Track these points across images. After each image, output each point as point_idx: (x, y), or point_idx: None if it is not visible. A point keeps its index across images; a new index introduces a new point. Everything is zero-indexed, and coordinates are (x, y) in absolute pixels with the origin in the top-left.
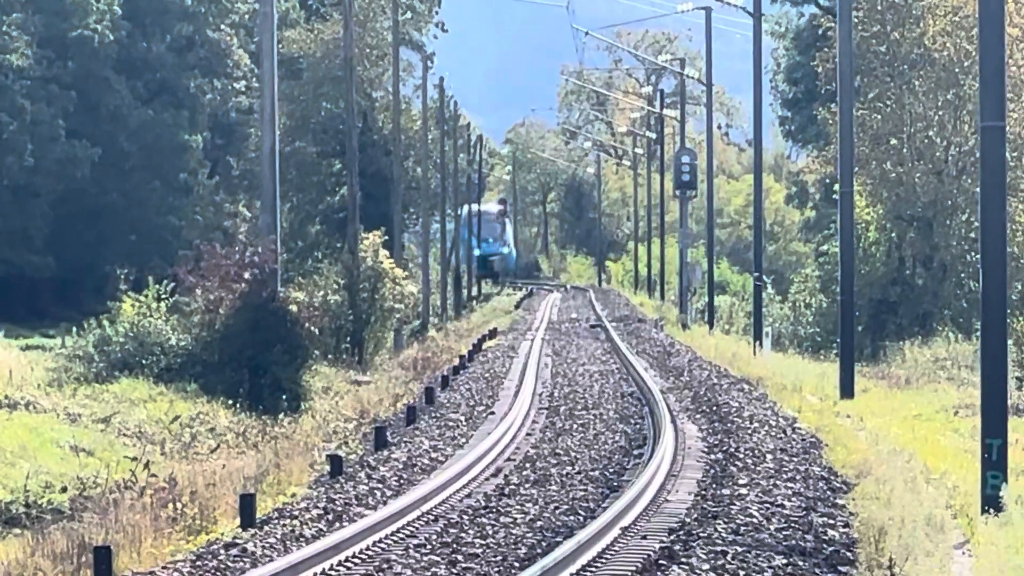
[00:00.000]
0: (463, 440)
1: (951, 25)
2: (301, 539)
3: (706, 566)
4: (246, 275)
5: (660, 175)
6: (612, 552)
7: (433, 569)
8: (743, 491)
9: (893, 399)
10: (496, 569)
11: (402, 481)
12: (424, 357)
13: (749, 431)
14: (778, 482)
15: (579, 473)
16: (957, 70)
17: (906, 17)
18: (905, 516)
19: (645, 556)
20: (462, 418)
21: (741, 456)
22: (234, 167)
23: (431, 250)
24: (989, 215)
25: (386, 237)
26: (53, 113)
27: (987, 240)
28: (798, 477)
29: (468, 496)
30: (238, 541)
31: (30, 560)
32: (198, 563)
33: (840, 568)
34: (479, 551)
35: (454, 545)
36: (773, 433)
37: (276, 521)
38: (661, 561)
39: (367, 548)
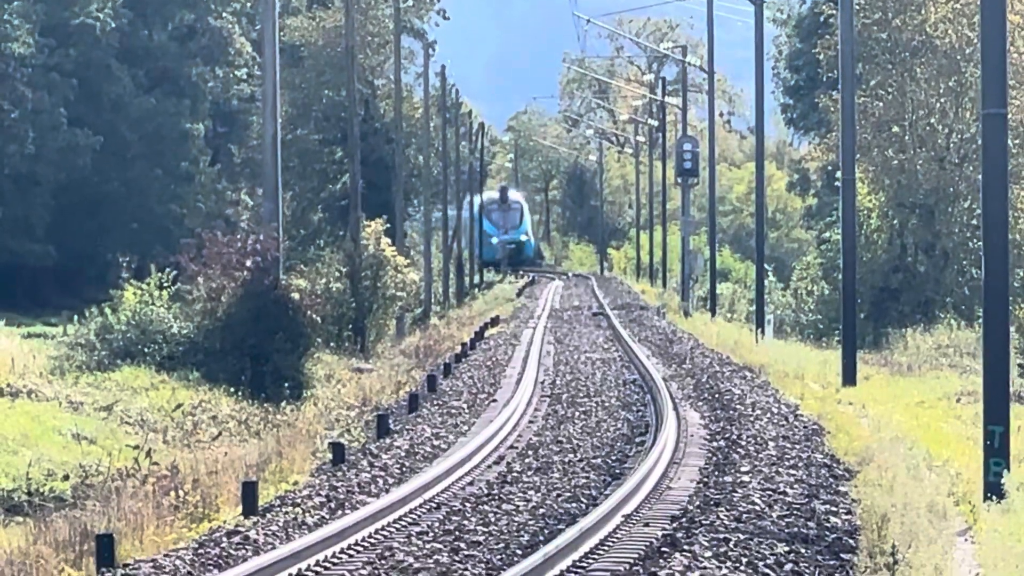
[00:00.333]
0: (465, 427)
1: (953, 12)
2: (303, 527)
3: (708, 553)
4: (248, 263)
5: (662, 163)
6: (614, 539)
7: (435, 556)
8: (745, 478)
9: (895, 386)
10: (499, 556)
11: (404, 469)
12: (426, 345)
13: (751, 418)
14: (780, 469)
15: (581, 460)
16: (959, 57)
17: (908, 4)
18: (907, 503)
19: (647, 543)
20: (464, 406)
21: (743, 443)
22: (236, 155)
23: (433, 238)
24: (991, 202)
25: (388, 225)
26: (55, 101)
27: (989, 227)
28: (800, 464)
29: (470, 483)
30: (240, 529)
31: (32, 548)
32: (200, 551)
33: (842, 555)
34: (481, 538)
35: (456, 532)
36: (775, 420)
37: (278, 509)
38: (663, 548)
39: (369, 536)
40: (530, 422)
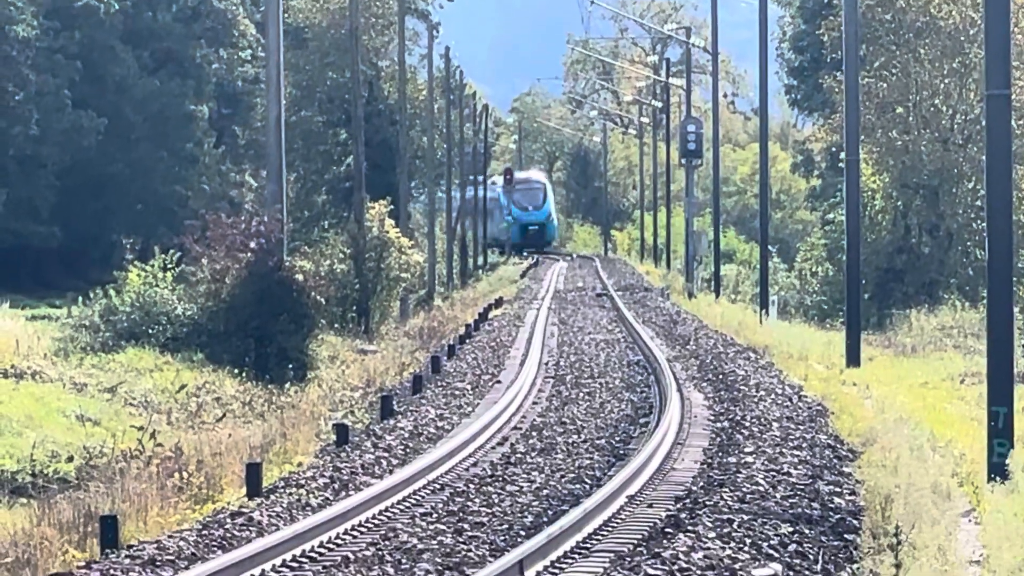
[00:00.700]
0: (469, 409)
1: None
2: (307, 508)
3: (712, 534)
4: (252, 244)
5: (666, 144)
6: (618, 520)
7: (439, 538)
8: (749, 459)
9: (899, 367)
10: (502, 538)
11: (408, 450)
12: (430, 326)
13: (755, 399)
14: (784, 450)
15: (585, 442)
16: (963, 38)
17: None
18: (911, 484)
19: (651, 524)
20: (468, 387)
21: (747, 424)
22: (240, 137)
23: (437, 219)
24: (995, 183)
25: (392, 206)
26: (59, 83)
27: (993, 208)
28: (804, 445)
29: (474, 465)
30: (244, 510)
31: (36, 529)
32: (204, 532)
33: (846, 536)
34: (485, 520)
35: (460, 514)
36: (779, 401)
37: (282, 490)
38: (667, 529)
39: (373, 517)
40: (534, 403)
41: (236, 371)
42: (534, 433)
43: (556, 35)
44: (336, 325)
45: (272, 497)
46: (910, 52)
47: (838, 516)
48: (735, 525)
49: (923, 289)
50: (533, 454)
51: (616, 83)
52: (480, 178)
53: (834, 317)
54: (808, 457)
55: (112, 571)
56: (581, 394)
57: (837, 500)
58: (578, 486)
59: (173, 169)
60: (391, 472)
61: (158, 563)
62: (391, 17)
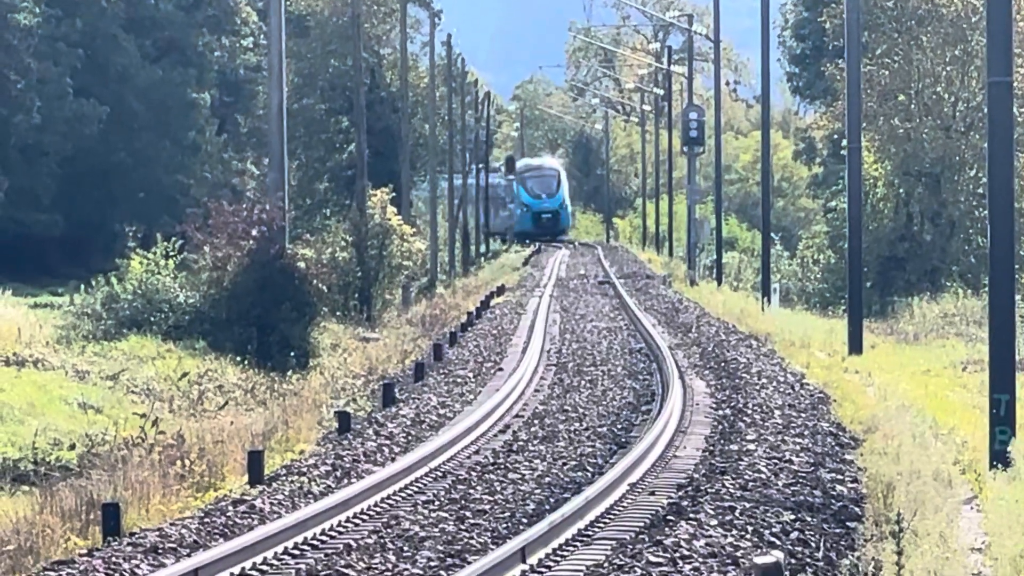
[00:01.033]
0: (471, 396)
1: None
2: (309, 496)
3: (714, 522)
4: (254, 232)
5: (668, 132)
6: (620, 508)
7: (441, 525)
8: (751, 447)
9: (901, 355)
10: (504, 525)
11: (410, 438)
12: (432, 314)
13: (757, 387)
14: (786, 438)
15: (587, 429)
16: (965, 25)
17: None
18: (913, 471)
19: (653, 512)
20: (470, 374)
21: (749, 412)
22: (242, 125)
23: (439, 207)
24: (997, 171)
25: (394, 194)
26: (61, 72)
27: (995, 196)
28: (806, 433)
29: (476, 452)
30: (246, 498)
31: (39, 517)
32: (206, 520)
33: (848, 523)
34: (487, 507)
35: (462, 501)
36: (781, 389)
37: (284, 478)
38: (669, 517)
39: (375, 505)
40: (536, 391)
41: (238, 359)
42: (536, 421)
43: (558, 23)
44: (338, 313)
45: (274, 485)
46: (912, 40)
47: (840, 504)
48: (737, 513)
49: (925, 277)
50: (535, 442)
51: (618, 71)
52: (482, 166)
53: (836, 305)
54: (810, 445)
55: (114, 559)
56: (583, 382)
57: (839, 488)
58: (580, 474)
59: (175, 157)
60: (393, 460)
61: (160, 551)
62: (393, 5)
